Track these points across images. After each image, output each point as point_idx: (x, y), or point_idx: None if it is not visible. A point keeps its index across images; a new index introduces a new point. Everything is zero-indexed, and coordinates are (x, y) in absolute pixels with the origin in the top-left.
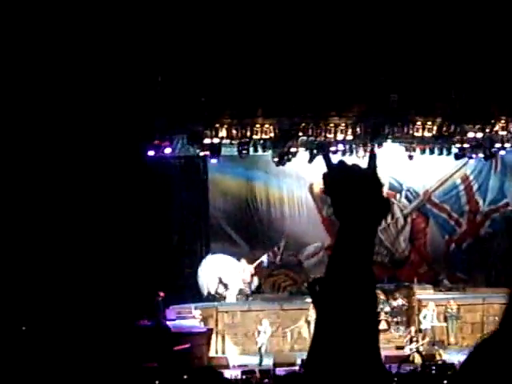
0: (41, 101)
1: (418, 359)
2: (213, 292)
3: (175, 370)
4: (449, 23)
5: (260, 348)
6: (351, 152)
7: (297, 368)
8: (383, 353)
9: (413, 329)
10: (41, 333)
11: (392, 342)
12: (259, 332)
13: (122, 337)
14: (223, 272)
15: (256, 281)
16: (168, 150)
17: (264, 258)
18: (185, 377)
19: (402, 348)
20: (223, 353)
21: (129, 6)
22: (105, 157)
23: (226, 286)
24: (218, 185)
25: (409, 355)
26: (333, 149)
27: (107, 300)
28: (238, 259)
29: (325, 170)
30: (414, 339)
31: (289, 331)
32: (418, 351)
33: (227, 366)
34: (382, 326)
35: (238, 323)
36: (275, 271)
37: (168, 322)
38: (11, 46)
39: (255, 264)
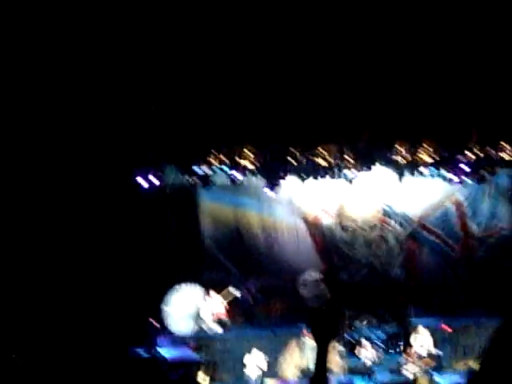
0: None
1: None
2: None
3: None
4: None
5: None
6: (339, 176)
7: None
8: (381, 378)
9: (413, 352)
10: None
11: (384, 366)
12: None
13: (115, 365)
14: (200, 305)
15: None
16: (157, 180)
17: (232, 290)
18: None
19: (398, 372)
20: (221, 382)
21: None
22: (96, 186)
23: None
24: (210, 213)
25: (414, 380)
26: (322, 173)
27: (100, 328)
28: (207, 291)
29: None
30: (412, 362)
31: (281, 357)
32: (417, 377)
33: None
34: (375, 351)
35: (231, 352)
36: (271, 300)
37: (160, 350)
38: None
39: (225, 297)
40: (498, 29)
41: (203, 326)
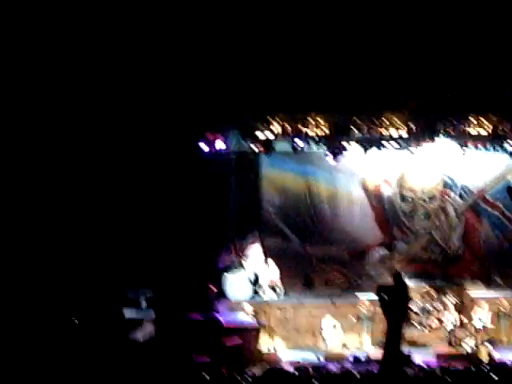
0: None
1: (484, 355)
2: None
3: (226, 364)
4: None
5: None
6: (405, 147)
7: (348, 364)
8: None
9: (469, 325)
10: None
11: (443, 339)
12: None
13: (173, 329)
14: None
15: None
16: (220, 145)
17: None
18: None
19: (458, 346)
20: (274, 348)
21: None
22: (159, 152)
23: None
24: (270, 180)
25: (469, 352)
26: (386, 144)
27: (159, 293)
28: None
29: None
30: (470, 336)
31: (340, 327)
32: (477, 348)
33: (278, 362)
34: (435, 323)
35: (289, 319)
36: (327, 267)
37: (219, 316)
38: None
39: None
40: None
41: (260, 292)
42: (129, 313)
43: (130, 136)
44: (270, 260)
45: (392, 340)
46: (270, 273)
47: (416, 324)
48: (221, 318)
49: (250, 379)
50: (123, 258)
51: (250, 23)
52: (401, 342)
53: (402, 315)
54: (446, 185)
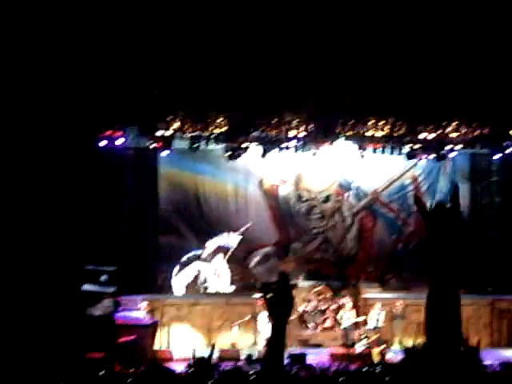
0: None
1: (377, 356)
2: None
3: (120, 361)
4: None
5: None
6: (303, 149)
7: (241, 363)
8: (331, 350)
9: (363, 326)
10: None
11: (338, 339)
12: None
13: (66, 326)
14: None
15: None
16: (120, 141)
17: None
18: (130, 370)
19: (351, 346)
20: (168, 346)
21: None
22: (55, 146)
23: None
24: (168, 177)
25: (363, 352)
26: (285, 145)
27: (53, 290)
28: (247, 258)
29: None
30: (364, 336)
31: (235, 326)
32: (370, 348)
33: (171, 359)
34: (329, 323)
35: (184, 316)
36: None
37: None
38: None
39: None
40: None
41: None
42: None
43: (29, 131)
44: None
45: (275, 339)
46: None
47: (310, 324)
48: (115, 315)
49: (132, 375)
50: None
51: (154, 23)
52: (284, 340)
53: (286, 314)
54: (341, 186)
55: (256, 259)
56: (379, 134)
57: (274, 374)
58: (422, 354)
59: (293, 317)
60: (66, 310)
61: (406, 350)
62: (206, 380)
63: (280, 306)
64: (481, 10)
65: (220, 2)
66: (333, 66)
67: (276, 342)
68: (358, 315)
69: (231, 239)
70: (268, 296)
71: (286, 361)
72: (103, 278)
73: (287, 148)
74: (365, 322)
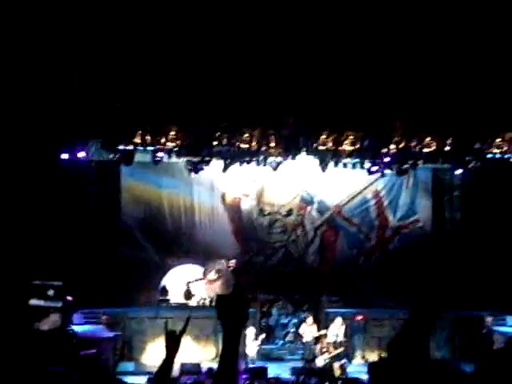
0: None
1: (337, 370)
2: (177, 301)
3: (81, 374)
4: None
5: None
6: (265, 163)
7: (202, 377)
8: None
9: (324, 340)
10: None
11: (299, 353)
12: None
13: (26, 340)
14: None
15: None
16: (81, 154)
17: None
18: None
19: (312, 360)
20: (130, 359)
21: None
22: (17, 159)
23: (190, 295)
24: (130, 191)
25: (322, 367)
26: (246, 159)
27: (11, 302)
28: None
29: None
30: (325, 350)
31: (195, 340)
32: (331, 363)
33: (134, 373)
34: (289, 338)
35: (145, 330)
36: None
37: (75, 327)
38: None
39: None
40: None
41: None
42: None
43: None
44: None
45: (228, 352)
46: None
47: (272, 338)
48: (76, 328)
49: None
50: None
51: (115, 38)
52: (237, 354)
53: (239, 326)
54: (303, 199)
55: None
56: (341, 148)
57: None
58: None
59: (254, 330)
60: (14, 325)
61: (371, 365)
62: None
63: (234, 319)
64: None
65: (178, 18)
66: (295, 80)
67: (228, 355)
68: (318, 329)
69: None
70: (221, 308)
71: (244, 375)
72: (50, 292)
73: (249, 162)
74: (326, 336)
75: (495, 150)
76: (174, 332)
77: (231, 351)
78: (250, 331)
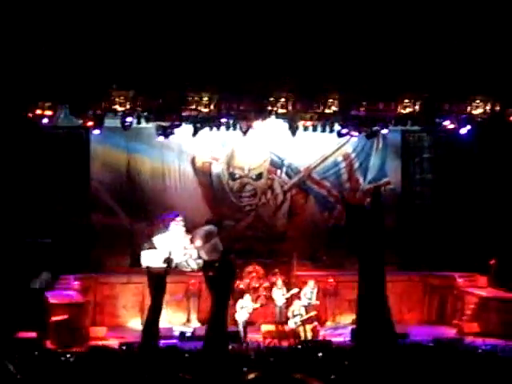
0: None
1: (302, 333)
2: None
3: (53, 340)
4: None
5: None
6: (234, 127)
7: (174, 340)
8: (264, 328)
9: (296, 303)
10: None
11: (270, 317)
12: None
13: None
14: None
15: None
16: (49, 119)
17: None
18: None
19: (283, 323)
20: (102, 324)
21: None
22: None
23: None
24: (99, 156)
25: (294, 329)
26: (216, 123)
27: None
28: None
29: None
30: (297, 313)
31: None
32: (303, 325)
33: (105, 338)
34: (261, 301)
35: (116, 295)
36: None
37: (46, 292)
38: None
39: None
40: None
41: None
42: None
43: None
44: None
45: (217, 317)
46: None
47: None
48: (47, 294)
49: (74, 358)
50: None
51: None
52: (226, 319)
53: (228, 292)
54: (273, 163)
55: (199, 238)
56: (310, 111)
57: (216, 352)
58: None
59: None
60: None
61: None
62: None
63: (222, 284)
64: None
65: None
66: (266, 42)
67: (218, 319)
68: (290, 292)
69: None
70: (210, 274)
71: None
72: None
73: (218, 126)
74: (298, 297)
75: (465, 111)
76: (159, 273)
77: (220, 316)
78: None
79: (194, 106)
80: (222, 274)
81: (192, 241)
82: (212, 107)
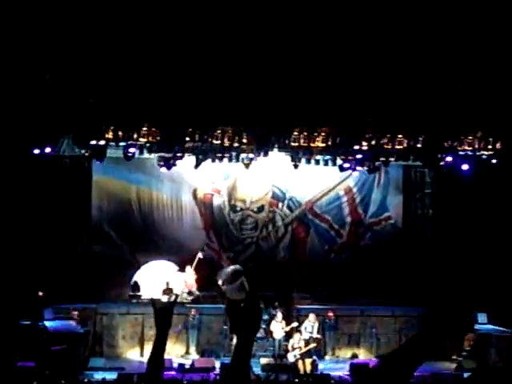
0: None
1: (301, 367)
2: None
3: (52, 370)
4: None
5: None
6: (237, 159)
7: (173, 372)
8: (262, 361)
9: (296, 336)
10: None
11: (269, 350)
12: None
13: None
14: (170, 278)
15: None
16: (53, 149)
17: (200, 255)
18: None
19: (283, 356)
20: (101, 355)
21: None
22: None
23: (170, 291)
24: (101, 186)
25: (293, 363)
26: (219, 155)
27: None
28: (182, 267)
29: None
30: (297, 346)
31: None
32: (302, 359)
33: (104, 368)
34: (261, 333)
35: (116, 326)
36: None
37: (46, 322)
38: None
39: (194, 264)
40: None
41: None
42: None
43: None
44: (187, 267)
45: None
46: (187, 279)
47: None
48: (47, 324)
49: None
50: None
51: (82, 31)
52: (250, 357)
53: (253, 334)
54: (275, 196)
55: (224, 279)
56: (313, 145)
57: None
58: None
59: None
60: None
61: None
62: None
63: (247, 326)
64: (418, 28)
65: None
66: (267, 77)
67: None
68: (290, 325)
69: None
70: (235, 314)
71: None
72: None
73: (221, 158)
74: (298, 331)
75: (466, 148)
76: (165, 307)
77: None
78: None
79: (196, 138)
80: (248, 316)
81: (217, 279)
82: (215, 139)
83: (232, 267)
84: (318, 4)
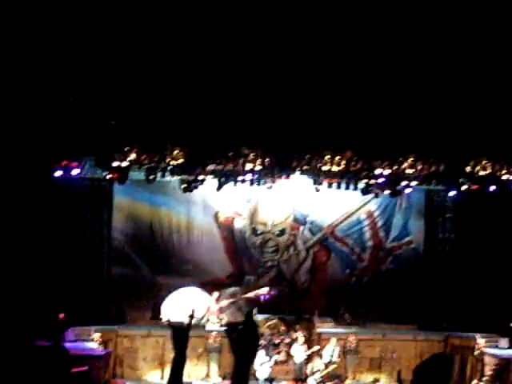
0: None
1: None
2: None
3: None
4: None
5: None
6: (259, 183)
7: None
8: None
9: (317, 360)
10: None
11: (290, 373)
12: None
13: (18, 356)
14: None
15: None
16: (75, 172)
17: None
18: None
19: (303, 380)
20: (122, 377)
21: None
22: (12, 175)
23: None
24: (123, 208)
25: None
26: (241, 178)
27: (6, 319)
28: (210, 292)
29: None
30: (316, 370)
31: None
32: (323, 383)
33: None
34: (282, 357)
35: (137, 348)
36: None
37: (67, 344)
38: None
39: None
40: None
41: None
42: None
43: None
44: (215, 293)
45: (239, 376)
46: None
47: (264, 358)
48: (68, 346)
49: None
50: None
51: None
52: (248, 378)
53: (251, 355)
54: (296, 219)
55: (224, 299)
56: (335, 168)
57: None
58: None
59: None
60: (14, 341)
61: None
62: None
63: (246, 345)
64: (434, 47)
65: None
66: (290, 101)
67: (240, 380)
68: (311, 349)
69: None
70: (234, 335)
71: None
72: None
73: (243, 181)
74: (318, 356)
75: (488, 171)
76: (181, 327)
77: (243, 376)
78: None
79: (218, 161)
80: (246, 337)
81: (217, 301)
82: (237, 162)
83: (231, 289)
84: (342, 28)
